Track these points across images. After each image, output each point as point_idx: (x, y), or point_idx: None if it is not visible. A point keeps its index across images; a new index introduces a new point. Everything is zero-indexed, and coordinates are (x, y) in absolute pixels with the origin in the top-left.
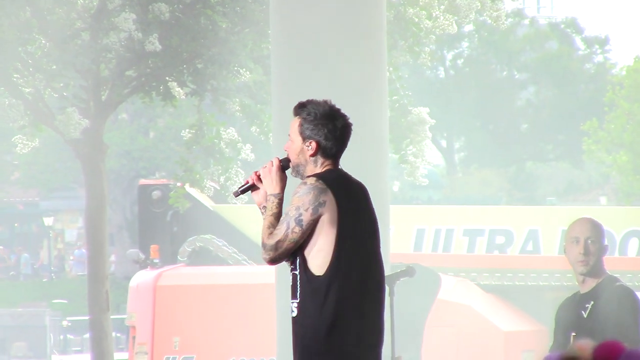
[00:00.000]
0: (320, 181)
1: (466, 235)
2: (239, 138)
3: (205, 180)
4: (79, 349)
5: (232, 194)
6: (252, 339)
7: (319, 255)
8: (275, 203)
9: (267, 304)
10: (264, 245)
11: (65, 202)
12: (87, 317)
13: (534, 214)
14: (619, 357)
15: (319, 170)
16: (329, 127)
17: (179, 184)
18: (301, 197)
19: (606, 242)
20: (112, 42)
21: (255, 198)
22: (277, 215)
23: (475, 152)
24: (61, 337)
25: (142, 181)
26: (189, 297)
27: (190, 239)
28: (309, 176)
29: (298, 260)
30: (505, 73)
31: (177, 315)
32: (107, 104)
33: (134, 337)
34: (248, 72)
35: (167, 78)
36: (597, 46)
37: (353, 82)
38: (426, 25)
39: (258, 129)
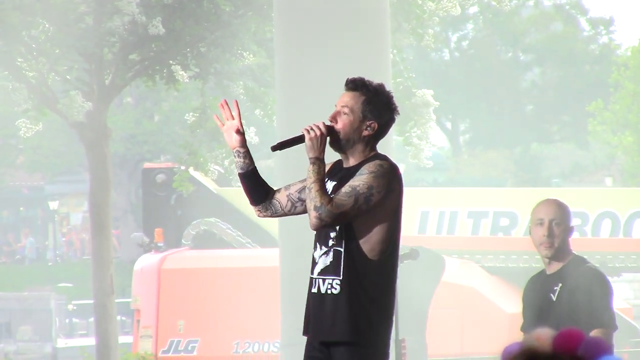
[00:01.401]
0: (395, 168)
1: (470, 218)
2: (243, 121)
3: (209, 163)
4: (84, 332)
5: (270, 148)
6: (256, 322)
7: (374, 241)
8: (322, 168)
9: (271, 286)
10: (318, 208)
11: (71, 185)
12: (92, 301)
13: (539, 196)
14: (578, 346)
15: (367, 152)
16: (389, 115)
17: (183, 168)
18: (377, 178)
19: (572, 224)
20: (116, 25)
21: (229, 140)
22: (323, 179)
23: (480, 133)
24: (66, 320)
25: (147, 165)
26: (193, 280)
27: (195, 222)
28: (382, 159)
29: (349, 239)
30: (510, 54)
31: (181, 298)
32: (111, 87)
33: (138, 321)
34: (251, 55)
35: (170, 61)
36: (601, 27)
37: (356, 65)
38: (429, 7)
39: (262, 112)
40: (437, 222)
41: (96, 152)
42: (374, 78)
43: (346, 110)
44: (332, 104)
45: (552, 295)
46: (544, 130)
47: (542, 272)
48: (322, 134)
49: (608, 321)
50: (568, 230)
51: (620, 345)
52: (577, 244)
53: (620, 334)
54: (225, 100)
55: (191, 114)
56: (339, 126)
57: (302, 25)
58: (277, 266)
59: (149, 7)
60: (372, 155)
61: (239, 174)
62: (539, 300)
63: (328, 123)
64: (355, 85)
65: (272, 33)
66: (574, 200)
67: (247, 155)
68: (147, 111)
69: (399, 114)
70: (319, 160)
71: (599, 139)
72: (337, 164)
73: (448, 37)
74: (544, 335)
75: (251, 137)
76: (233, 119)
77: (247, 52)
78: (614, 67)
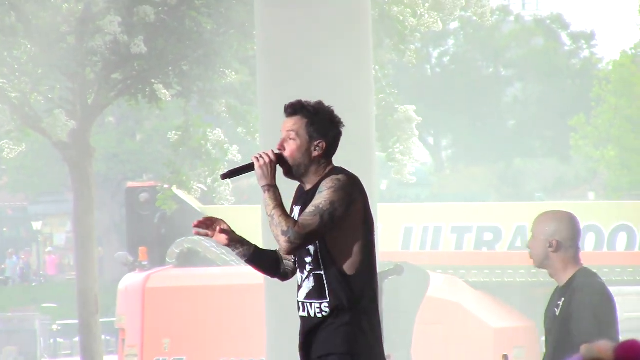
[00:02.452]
0: (353, 179)
1: (454, 233)
2: (226, 139)
3: (192, 182)
4: (69, 352)
5: (220, 176)
6: (242, 340)
7: (351, 255)
8: (277, 193)
9: (256, 304)
10: (286, 232)
11: (54, 206)
12: (76, 321)
13: (522, 210)
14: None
15: (322, 170)
16: (334, 130)
17: (166, 186)
18: (336, 192)
19: (556, 237)
20: (98, 45)
21: (219, 240)
22: (282, 204)
23: (463, 149)
24: (51, 340)
25: (130, 184)
26: (178, 298)
27: (178, 240)
28: (338, 172)
29: (325, 260)
30: (491, 70)
31: (166, 317)
32: (94, 106)
33: (123, 340)
34: (234, 73)
35: (153, 80)
36: (583, 41)
37: (339, 81)
38: (411, 23)
39: (245, 130)
40: (420, 238)
41: (80, 172)
42: (357, 94)
43: (292, 135)
44: None
45: (556, 310)
46: (527, 145)
47: (557, 286)
48: (271, 160)
49: (588, 335)
50: (547, 242)
51: None
52: None
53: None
54: (195, 223)
55: (174, 132)
56: (287, 153)
57: (284, 42)
58: (262, 283)
59: (130, 27)
60: (329, 171)
61: (246, 261)
62: (547, 314)
63: (277, 151)
64: (295, 109)
65: (254, 51)
66: None
67: (242, 243)
68: (129, 130)
69: (344, 125)
70: (272, 187)
71: (581, 153)
72: (299, 190)
73: (429, 53)
74: (605, 347)
75: (234, 155)
76: (211, 234)
77: (230, 70)
78: (596, 81)
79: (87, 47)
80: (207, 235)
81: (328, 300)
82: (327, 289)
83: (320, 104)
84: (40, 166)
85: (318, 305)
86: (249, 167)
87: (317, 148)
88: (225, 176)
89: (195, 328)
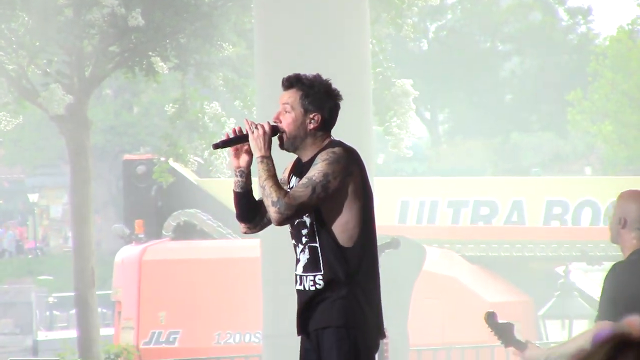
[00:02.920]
0: (350, 151)
1: (450, 207)
2: (223, 112)
3: (189, 154)
4: (65, 324)
5: (211, 146)
6: (238, 313)
7: (348, 228)
8: (270, 164)
9: (253, 277)
10: (275, 203)
11: (51, 178)
12: (72, 294)
13: (519, 185)
14: None
15: (320, 143)
16: (330, 103)
17: (162, 159)
18: (331, 164)
19: (624, 215)
20: (95, 17)
21: (236, 160)
22: (275, 175)
23: (460, 123)
24: (47, 313)
25: (127, 156)
26: (174, 271)
27: (175, 213)
28: (335, 145)
29: (321, 233)
30: (488, 44)
31: (162, 290)
32: (91, 79)
33: (119, 313)
34: (231, 46)
35: (150, 53)
36: (580, 17)
37: (336, 55)
38: None
39: (241, 103)
40: (417, 212)
41: (76, 145)
42: (354, 68)
43: (287, 107)
44: None
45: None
46: (524, 120)
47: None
48: (264, 132)
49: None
50: (618, 219)
51: None
52: (557, 232)
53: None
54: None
55: (171, 105)
56: (283, 125)
57: (281, 15)
58: (258, 257)
59: None
60: (327, 144)
61: (236, 193)
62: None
63: (273, 123)
64: (290, 82)
65: (252, 24)
66: (553, 190)
67: (249, 176)
68: (126, 103)
69: (341, 98)
70: (266, 158)
71: (578, 128)
72: (298, 161)
73: (427, 27)
74: (636, 321)
75: (231, 128)
76: (240, 148)
77: (227, 43)
78: (593, 57)
79: (85, 19)
80: (243, 136)
81: (322, 272)
82: (321, 261)
83: (316, 77)
84: (37, 139)
85: (312, 277)
86: (243, 138)
87: (312, 121)
88: (217, 146)
89: (191, 301)
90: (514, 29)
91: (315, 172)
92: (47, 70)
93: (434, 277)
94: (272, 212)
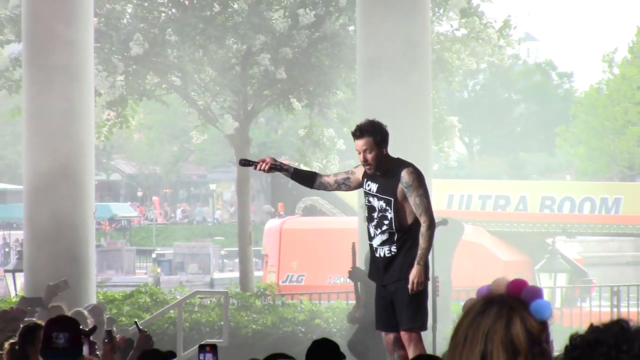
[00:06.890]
0: (419, 170)
1: (480, 199)
2: (336, 135)
3: (313, 162)
4: (231, 269)
5: (239, 162)
6: (342, 263)
7: (410, 212)
8: (425, 256)
9: (351, 241)
10: (430, 226)
11: (224, 174)
12: (237, 249)
13: (524, 186)
14: (521, 291)
15: (387, 159)
16: (386, 134)
17: (296, 164)
18: (421, 182)
19: None
20: (254, 72)
21: (264, 171)
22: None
23: (486, 146)
24: (220, 261)
25: None
26: (302, 236)
27: (303, 199)
28: (407, 165)
29: (397, 220)
30: (506, 95)
31: (294, 247)
32: (251, 112)
33: (266, 262)
34: (342, 93)
35: (289, 96)
36: (565, 78)
37: (410, 101)
38: (456, 63)
39: (348, 130)
40: (458, 201)
41: (241, 153)
42: (421, 110)
43: (368, 150)
44: (398, 124)
45: None
46: (527, 144)
47: None
48: (419, 281)
49: None
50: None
51: (573, 283)
52: (548, 217)
53: (574, 276)
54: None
55: (302, 130)
56: (372, 160)
57: (375, 74)
58: (356, 228)
59: (276, 61)
60: (393, 161)
61: (290, 178)
62: None
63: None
64: (362, 132)
65: (356, 79)
66: (546, 189)
67: (282, 168)
68: (273, 128)
69: (387, 130)
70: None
71: (563, 150)
72: (365, 171)
73: (467, 83)
74: (502, 282)
75: (340, 146)
76: (261, 165)
77: (339, 91)
78: (573, 105)
79: (248, 73)
80: (257, 164)
81: (397, 245)
82: (396, 238)
83: (374, 123)
84: (216, 149)
85: (388, 247)
86: (251, 164)
87: (384, 149)
88: (241, 163)
89: (314, 255)
90: (523, 85)
91: (420, 187)
92: (223, 105)
93: (469, 244)
94: (429, 222)
